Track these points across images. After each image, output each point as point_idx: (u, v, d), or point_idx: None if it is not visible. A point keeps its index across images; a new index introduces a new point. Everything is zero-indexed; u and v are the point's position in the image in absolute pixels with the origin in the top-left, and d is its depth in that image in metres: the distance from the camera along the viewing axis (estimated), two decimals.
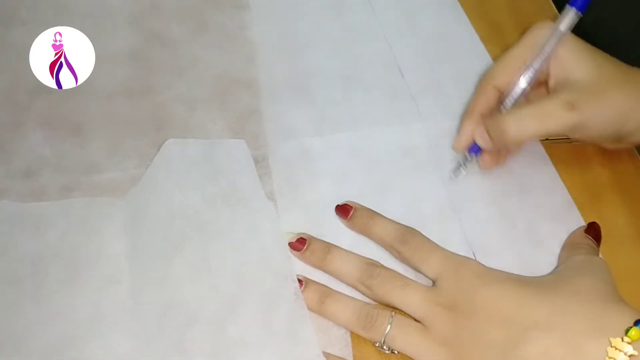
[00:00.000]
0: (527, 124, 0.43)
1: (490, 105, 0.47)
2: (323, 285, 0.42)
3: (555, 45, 0.45)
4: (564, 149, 0.51)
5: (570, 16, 0.45)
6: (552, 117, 0.42)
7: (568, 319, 0.35)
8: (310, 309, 0.40)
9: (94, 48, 0.53)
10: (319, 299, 0.40)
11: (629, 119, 0.44)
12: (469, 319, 0.37)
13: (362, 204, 0.45)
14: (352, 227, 0.45)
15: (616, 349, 0.33)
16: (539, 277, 0.41)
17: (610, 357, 0.33)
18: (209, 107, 0.52)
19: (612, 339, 0.33)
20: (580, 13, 0.44)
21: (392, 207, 0.45)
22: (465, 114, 0.48)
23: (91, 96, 0.52)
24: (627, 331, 0.33)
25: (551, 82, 0.46)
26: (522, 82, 0.46)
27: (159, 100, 0.52)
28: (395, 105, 0.52)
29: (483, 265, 0.40)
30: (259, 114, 0.51)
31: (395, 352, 0.39)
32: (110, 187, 0.47)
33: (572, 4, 0.45)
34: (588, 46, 0.45)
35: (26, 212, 0.44)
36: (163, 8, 0.59)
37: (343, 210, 0.45)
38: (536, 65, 0.45)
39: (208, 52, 0.56)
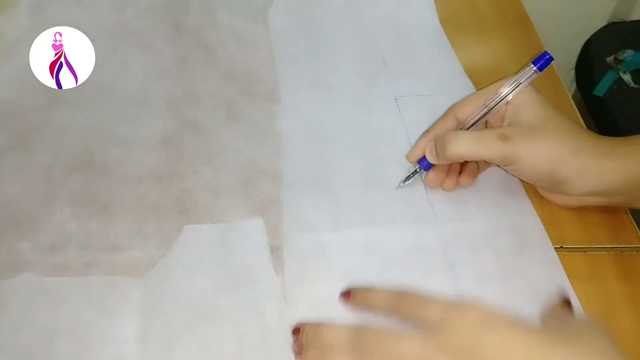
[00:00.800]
0: (463, 143, 0.49)
1: (446, 130, 0.53)
2: None
3: (513, 92, 0.51)
4: (578, 259, 0.51)
5: (529, 71, 0.51)
6: (485, 143, 0.49)
7: None
8: None
9: (131, 131, 0.56)
10: None
11: (562, 166, 0.48)
12: None
13: None
14: (355, 305, 0.45)
15: None
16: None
17: None
18: (232, 195, 0.53)
19: None
20: (538, 71, 0.51)
21: None
22: (424, 133, 0.55)
23: (121, 178, 0.54)
24: None
25: (504, 124, 0.52)
26: (477, 115, 0.52)
27: (185, 186, 0.54)
28: (412, 207, 0.53)
29: (488, 308, 0.39)
30: (279, 205, 0.53)
31: None
32: (130, 267, 0.48)
33: (534, 63, 0.51)
34: (544, 100, 0.51)
35: (46, 287, 0.46)
36: (200, 97, 0.62)
37: (345, 295, 0.46)
38: (491, 104, 0.52)
39: (237, 141, 0.58)
